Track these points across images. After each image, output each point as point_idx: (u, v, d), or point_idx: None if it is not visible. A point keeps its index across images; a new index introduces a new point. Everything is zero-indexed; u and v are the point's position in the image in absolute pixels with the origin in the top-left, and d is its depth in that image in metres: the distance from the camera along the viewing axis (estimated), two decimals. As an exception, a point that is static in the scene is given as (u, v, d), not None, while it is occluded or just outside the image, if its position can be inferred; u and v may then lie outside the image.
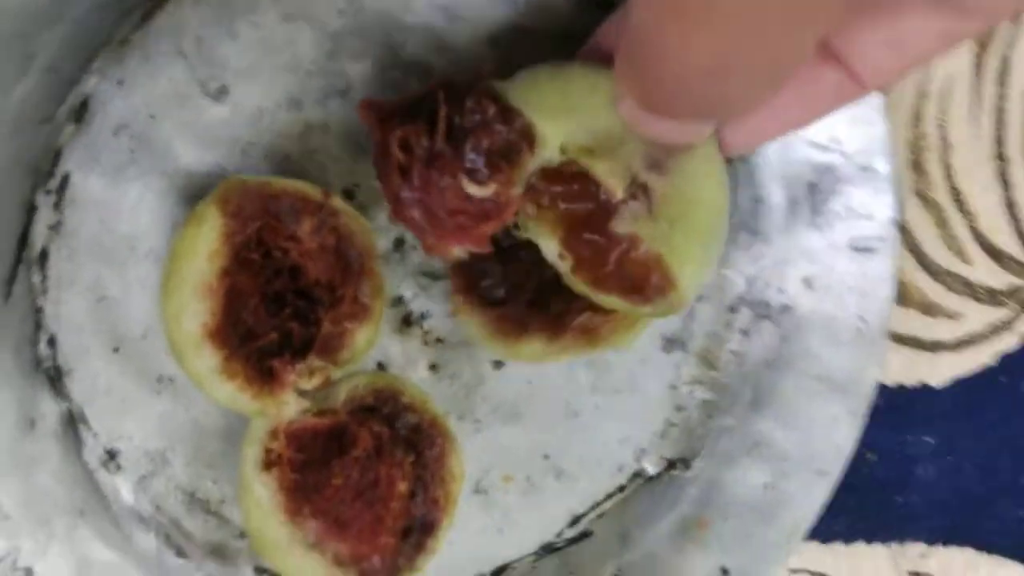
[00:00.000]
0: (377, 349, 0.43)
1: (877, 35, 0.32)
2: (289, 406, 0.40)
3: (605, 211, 0.36)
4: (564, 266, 0.38)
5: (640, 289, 0.37)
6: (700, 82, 0.28)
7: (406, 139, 0.36)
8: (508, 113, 0.36)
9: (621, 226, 0.36)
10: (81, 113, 0.40)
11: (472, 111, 0.36)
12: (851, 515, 0.49)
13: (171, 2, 0.40)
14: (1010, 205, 0.47)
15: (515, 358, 0.42)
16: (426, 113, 0.36)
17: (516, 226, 0.38)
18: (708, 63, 0.27)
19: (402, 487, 0.41)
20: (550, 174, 0.37)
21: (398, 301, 0.43)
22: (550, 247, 0.38)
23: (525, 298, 0.41)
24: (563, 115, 0.36)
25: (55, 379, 0.41)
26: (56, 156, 0.40)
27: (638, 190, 0.36)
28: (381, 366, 0.43)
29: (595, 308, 0.40)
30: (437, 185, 0.36)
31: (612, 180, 0.36)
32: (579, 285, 0.38)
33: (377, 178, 0.37)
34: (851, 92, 0.34)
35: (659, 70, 0.29)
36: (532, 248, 0.38)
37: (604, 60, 0.36)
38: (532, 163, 0.36)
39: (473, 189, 0.36)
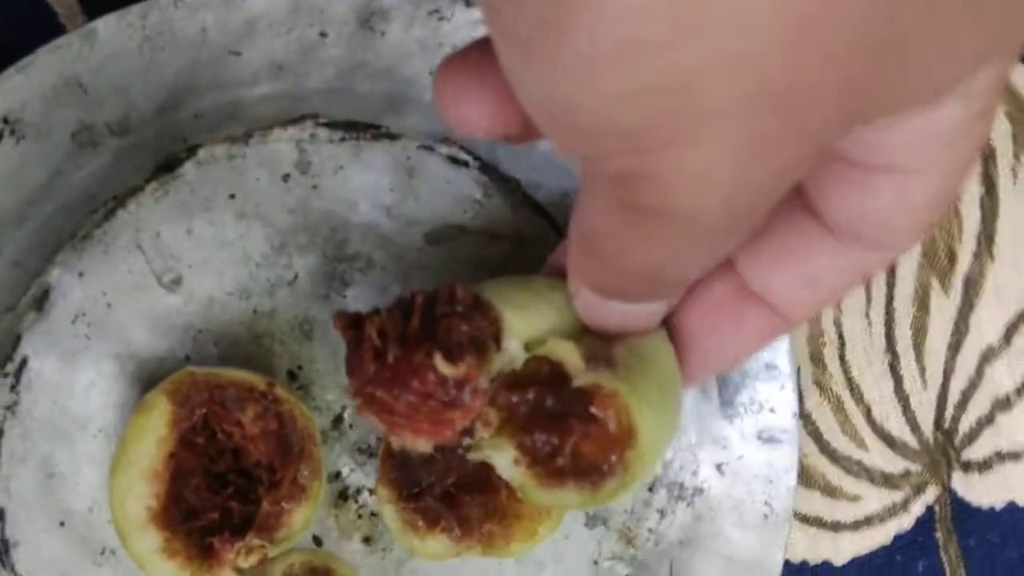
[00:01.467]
0: (314, 521, 0.43)
1: (791, 274, 0.33)
2: (226, 582, 0.40)
3: (567, 400, 0.37)
4: (518, 473, 0.37)
5: (596, 467, 0.36)
6: (647, 274, 0.30)
7: (382, 327, 0.36)
8: (480, 303, 0.36)
9: (582, 380, 0.36)
10: (42, 302, 0.41)
11: (446, 300, 0.37)
12: None
13: (132, 201, 0.41)
14: (900, 395, 0.50)
15: (418, 555, 0.41)
16: (402, 308, 0.37)
17: (467, 447, 0.38)
18: (655, 262, 0.29)
19: (333, 665, 0.41)
20: (514, 378, 0.37)
21: (335, 476, 0.44)
22: (506, 456, 0.37)
23: (440, 490, 0.42)
24: (527, 310, 0.37)
25: (2, 551, 0.42)
26: (16, 341, 0.41)
27: (598, 359, 0.37)
28: (317, 538, 0.44)
29: (501, 517, 0.41)
30: (410, 366, 0.36)
31: (571, 356, 0.36)
32: (530, 488, 0.37)
33: (348, 374, 0.37)
34: (777, 327, 0.35)
35: (611, 265, 0.31)
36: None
37: (562, 275, 0.37)
38: (498, 359, 0.36)
39: (445, 368, 0.35)
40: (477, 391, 0.36)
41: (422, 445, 0.37)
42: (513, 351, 0.36)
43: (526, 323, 0.37)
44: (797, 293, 0.34)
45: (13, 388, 0.41)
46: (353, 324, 0.37)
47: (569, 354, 0.36)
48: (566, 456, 0.37)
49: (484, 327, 0.36)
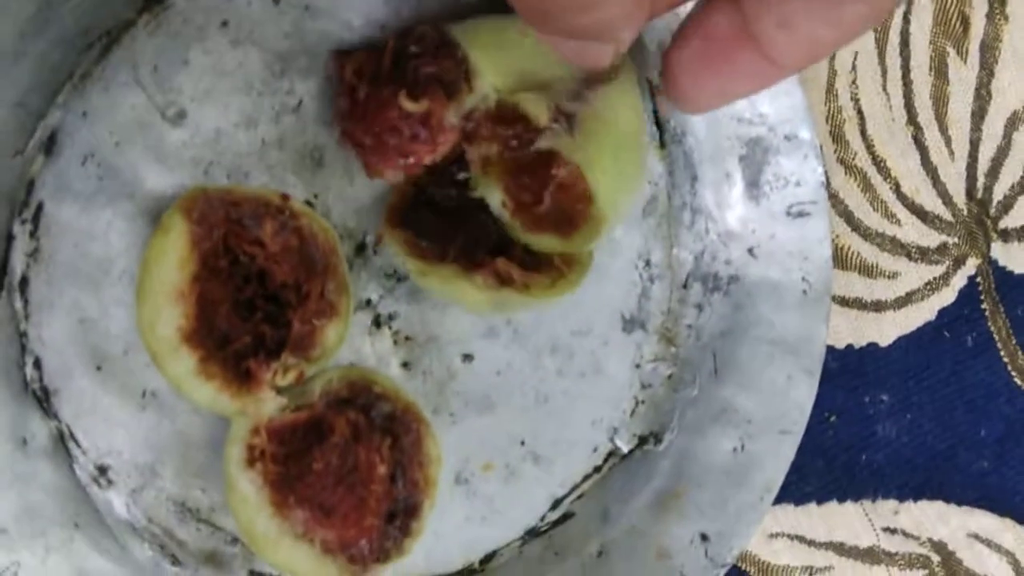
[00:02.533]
0: (349, 351, 0.43)
1: (775, 19, 0.32)
2: (267, 404, 0.40)
3: (540, 155, 0.38)
4: (506, 214, 0.39)
5: (571, 219, 0.39)
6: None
7: (359, 67, 0.39)
8: (448, 45, 0.38)
9: (543, 143, 0.38)
10: (50, 145, 0.41)
11: (417, 41, 0.39)
12: (821, 477, 0.48)
13: (126, 36, 0.40)
14: (928, 167, 0.48)
15: (423, 283, 0.41)
16: (378, 50, 0.39)
17: (467, 185, 0.40)
18: None
19: (382, 470, 0.40)
20: (493, 117, 0.38)
21: (366, 304, 0.43)
22: (495, 197, 0.39)
23: (449, 240, 0.41)
24: (497, 53, 0.38)
25: (43, 399, 0.41)
26: (30, 187, 0.41)
27: (561, 117, 0.38)
28: (354, 366, 0.43)
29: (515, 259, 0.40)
30: (378, 103, 0.38)
31: (537, 110, 0.38)
32: (519, 231, 0.39)
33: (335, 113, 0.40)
34: (770, 73, 0.34)
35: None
36: (472, 212, 0.40)
37: None
38: (469, 99, 0.38)
39: (408, 104, 0.37)
40: (443, 127, 0.38)
41: (391, 176, 0.40)
42: (483, 91, 0.38)
43: (496, 65, 0.38)
44: (783, 39, 0.32)
45: (33, 235, 0.41)
46: (339, 63, 0.40)
47: (535, 108, 0.38)
48: (546, 205, 0.39)
49: (450, 67, 0.38)
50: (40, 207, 0.41)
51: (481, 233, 0.41)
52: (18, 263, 0.41)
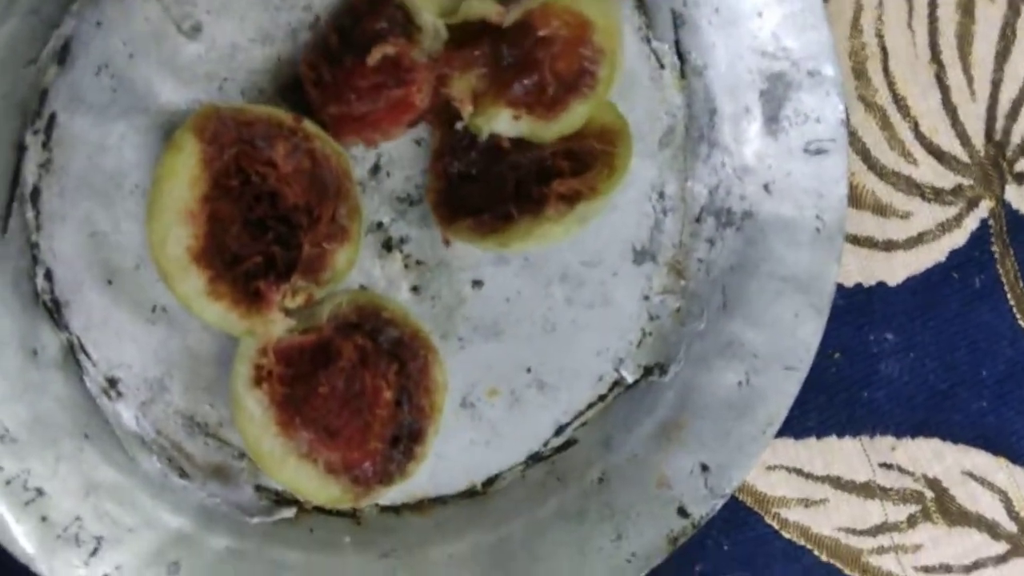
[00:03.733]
0: (359, 274, 0.42)
1: None
2: (276, 324, 0.39)
3: (516, 41, 0.39)
4: (524, 126, 0.39)
5: (582, 70, 0.39)
6: None
7: (309, 61, 0.39)
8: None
9: (511, 18, 0.38)
10: (63, 55, 0.39)
11: (350, 10, 0.39)
12: (822, 412, 0.48)
13: (142, -58, 0.39)
14: (948, 107, 0.47)
15: (513, 248, 0.41)
16: (319, 38, 0.40)
17: (473, 138, 0.40)
18: None
19: (387, 395, 0.40)
20: (453, 46, 0.39)
21: (377, 227, 0.42)
22: (503, 119, 0.39)
23: (506, 200, 0.41)
24: None
25: (53, 311, 0.41)
26: (42, 97, 0.39)
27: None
28: (364, 290, 0.42)
29: (566, 173, 0.40)
30: (346, 74, 0.39)
31: (484, 6, 0.38)
32: (547, 129, 0.39)
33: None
34: None
35: None
36: (497, 158, 0.40)
37: None
38: (424, 37, 0.39)
39: (374, 56, 0.38)
40: (415, 64, 0.38)
41: (398, 134, 0.40)
42: (429, 22, 0.38)
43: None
44: None
45: (45, 145, 0.40)
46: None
47: (485, 5, 0.38)
48: (551, 83, 0.39)
49: (392, 13, 0.38)
50: (53, 118, 0.39)
51: (522, 172, 0.41)
52: (30, 174, 0.40)
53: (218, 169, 0.38)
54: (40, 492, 0.39)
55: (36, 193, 0.40)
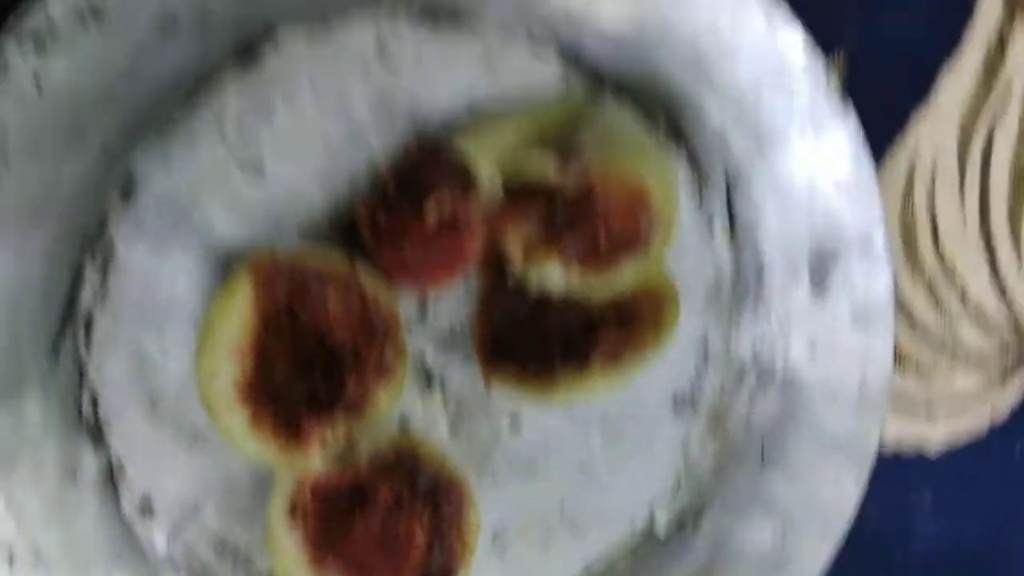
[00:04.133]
0: (400, 408, 0.42)
1: None
2: (314, 461, 0.39)
3: (571, 200, 0.39)
4: (574, 279, 0.40)
5: (636, 230, 0.39)
6: None
7: (367, 206, 0.40)
8: (441, 149, 0.40)
9: (569, 179, 0.39)
10: (128, 188, 0.40)
11: (409, 159, 0.40)
12: (855, 572, 0.47)
13: (213, 84, 0.40)
14: (997, 277, 0.46)
15: (556, 399, 0.41)
16: (378, 185, 0.40)
17: (523, 287, 0.40)
18: None
19: (420, 539, 0.40)
20: (509, 200, 0.39)
21: (420, 364, 0.43)
22: (554, 273, 0.40)
23: (551, 351, 0.41)
24: (482, 144, 0.40)
25: (96, 433, 0.41)
26: (104, 227, 0.40)
27: (567, 158, 0.39)
28: (403, 424, 0.43)
29: (612, 329, 0.41)
30: (401, 222, 0.39)
31: (542, 162, 0.39)
32: (597, 287, 0.40)
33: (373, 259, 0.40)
34: None
35: None
36: (544, 309, 0.40)
37: None
38: (480, 190, 0.39)
39: (431, 207, 0.38)
40: (470, 217, 0.39)
41: (449, 282, 0.40)
42: (486, 176, 0.39)
43: (489, 149, 0.39)
44: None
45: (102, 273, 0.40)
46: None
47: (545, 164, 0.39)
48: (604, 242, 0.39)
49: (452, 165, 0.39)
50: (112, 247, 0.40)
51: (569, 325, 0.41)
52: (85, 299, 0.40)
53: (270, 310, 0.38)
54: (69, 617, 0.40)
55: (89, 319, 0.40)
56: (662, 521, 0.45)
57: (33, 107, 0.36)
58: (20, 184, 0.37)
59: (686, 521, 0.45)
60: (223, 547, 0.42)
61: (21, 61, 0.36)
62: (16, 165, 0.37)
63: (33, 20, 0.36)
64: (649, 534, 0.45)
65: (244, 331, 0.38)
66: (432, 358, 0.43)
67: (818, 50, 0.40)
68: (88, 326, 0.40)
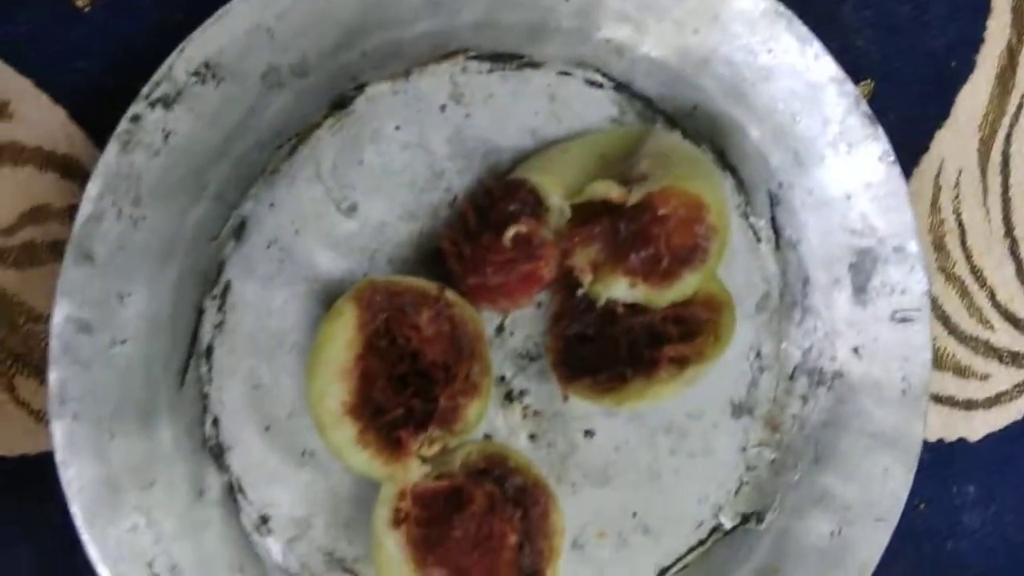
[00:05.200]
0: (484, 422, 0.46)
1: None
2: (414, 471, 0.42)
3: (636, 220, 0.42)
4: (640, 293, 0.43)
5: (695, 245, 0.42)
6: None
7: (451, 238, 0.44)
8: (512, 183, 0.43)
9: (634, 198, 0.42)
10: (240, 231, 0.44)
11: (484, 194, 0.44)
12: (910, 561, 0.50)
13: (312, 136, 0.44)
14: (1022, 278, 0.50)
15: (627, 406, 0.44)
16: (460, 218, 0.44)
17: (590, 302, 0.44)
18: None
19: (512, 539, 0.43)
20: (576, 222, 0.43)
21: (500, 380, 0.46)
22: (620, 286, 0.43)
23: (620, 362, 0.44)
24: (554, 167, 0.44)
25: (218, 455, 0.45)
26: (220, 267, 0.44)
27: (627, 176, 0.43)
28: (488, 436, 0.46)
29: (675, 338, 0.44)
30: (482, 250, 0.43)
31: (607, 187, 0.42)
32: (660, 296, 0.43)
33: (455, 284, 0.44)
34: None
35: None
36: (612, 323, 0.44)
37: None
38: (551, 216, 0.43)
39: (509, 235, 0.42)
40: (544, 241, 0.42)
41: (527, 302, 0.44)
42: (556, 203, 0.43)
43: (557, 178, 0.43)
44: None
45: (220, 309, 0.44)
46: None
47: (609, 188, 0.42)
48: (665, 255, 0.42)
49: (524, 195, 0.43)
50: (228, 285, 0.44)
51: (634, 335, 0.44)
52: (206, 334, 0.44)
53: (371, 332, 0.42)
54: (202, 622, 0.43)
55: (210, 350, 0.44)
56: (727, 522, 0.48)
57: (162, 157, 0.41)
58: (152, 227, 0.41)
59: (750, 520, 0.48)
60: (332, 559, 0.46)
61: (151, 115, 0.40)
62: (148, 208, 0.41)
63: (160, 77, 0.40)
64: (716, 534, 0.48)
65: (349, 352, 0.42)
66: (511, 375, 0.46)
67: (848, 77, 0.44)
68: (209, 357, 0.44)
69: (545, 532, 0.44)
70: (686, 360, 0.44)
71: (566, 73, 0.46)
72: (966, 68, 0.49)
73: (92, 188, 0.40)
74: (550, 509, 0.44)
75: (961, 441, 0.50)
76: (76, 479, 0.41)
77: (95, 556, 0.41)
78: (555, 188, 0.43)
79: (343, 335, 0.42)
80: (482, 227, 0.43)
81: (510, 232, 0.42)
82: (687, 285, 0.43)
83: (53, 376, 0.40)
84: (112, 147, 0.40)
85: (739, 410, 0.48)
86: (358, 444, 0.42)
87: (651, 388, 0.44)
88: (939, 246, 0.50)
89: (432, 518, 0.43)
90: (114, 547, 0.41)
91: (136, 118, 0.40)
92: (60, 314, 0.40)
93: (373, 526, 0.43)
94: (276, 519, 0.45)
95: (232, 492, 0.45)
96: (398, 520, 0.42)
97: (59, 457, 0.40)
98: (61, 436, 0.40)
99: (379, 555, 0.43)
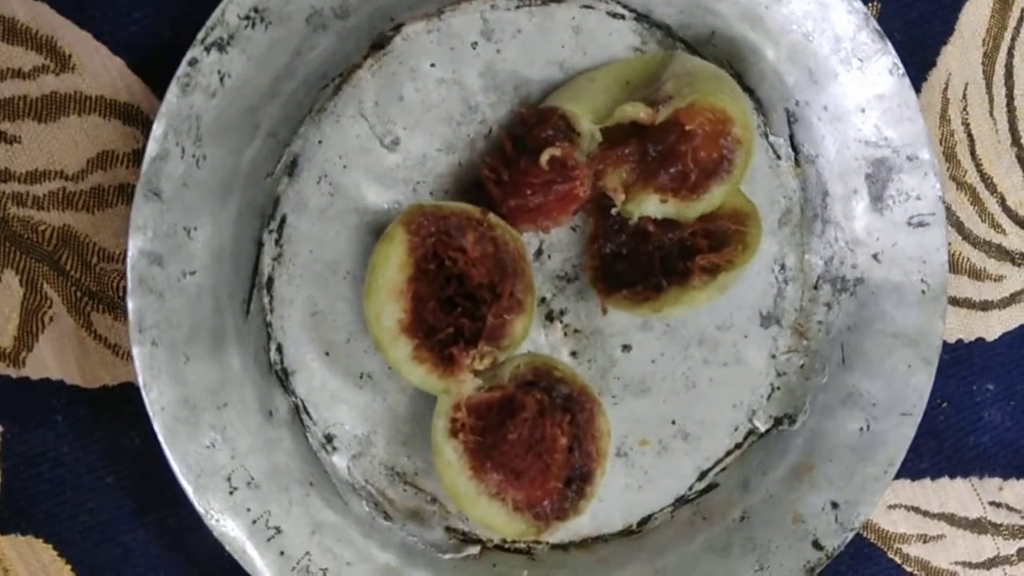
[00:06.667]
0: (527, 341, 0.48)
1: None
2: (467, 384, 0.45)
3: (664, 138, 0.45)
4: (669, 208, 0.45)
5: (721, 157, 0.45)
6: None
7: (490, 165, 0.46)
8: (544, 111, 0.45)
9: (661, 117, 0.44)
10: (292, 168, 0.47)
11: (520, 123, 0.46)
12: (934, 456, 0.52)
13: (354, 75, 0.47)
14: (1032, 182, 0.52)
15: (665, 313, 0.46)
16: (498, 146, 0.47)
17: (623, 222, 0.46)
18: None
19: (563, 441, 0.45)
20: (607, 146, 0.45)
21: (541, 301, 0.49)
22: (651, 203, 0.45)
23: (655, 273, 0.47)
24: (582, 95, 0.46)
25: (283, 379, 0.47)
26: (276, 203, 0.47)
27: (653, 97, 0.45)
28: (537, 354, 0.48)
29: (705, 248, 0.46)
30: (522, 173, 0.45)
31: (635, 109, 0.44)
32: (690, 208, 0.45)
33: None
34: None
35: None
36: (645, 237, 0.46)
37: None
38: (582, 139, 0.45)
39: (545, 157, 0.44)
40: (578, 163, 0.45)
41: (565, 220, 0.46)
42: (587, 128, 0.45)
43: (586, 105, 0.45)
44: None
45: (277, 242, 0.47)
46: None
47: (636, 109, 0.44)
48: (693, 170, 0.45)
49: (556, 122, 0.45)
50: (284, 219, 0.47)
51: (666, 250, 0.46)
52: (266, 266, 0.47)
53: (420, 255, 0.44)
54: (279, 531, 0.45)
55: (270, 281, 0.47)
56: (761, 425, 0.50)
57: (218, 98, 0.43)
58: (212, 165, 0.44)
59: (783, 422, 0.50)
60: (392, 473, 0.48)
61: (207, 58, 0.43)
62: (208, 147, 0.44)
63: (214, 22, 0.43)
64: (751, 437, 0.50)
65: (401, 274, 0.44)
66: (551, 296, 0.49)
67: (857, -6, 0.47)
68: (270, 288, 0.47)
69: (592, 434, 0.46)
70: (717, 268, 0.46)
71: (588, 7, 0.48)
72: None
73: (157, 129, 0.43)
74: (596, 413, 0.46)
75: (979, 341, 0.52)
76: (158, 399, 0.43)
77: (178, 471, 0.44)
78: (585, 114, 0.45)
79: (395, 258, 0.44)
80: (518, 153, 0.46)
81: (546, 155, 0.44)
82: (715, 197, 0.45)
83: (131, 305, 0.43)
84: (173, 89, 0.43)
85: (767, 320, 0.50)
86: (414, 360, 0.45)
87: (686, 295, 0.45)
88: (950, 156, 0.52)
89: (487, 427, 0.45)
90: (195, 462, 0.44)
91: (194, 62, 0.43)
92: (134, 247, 0.43)
93: (432, 436, 0.45)
94: (339, 438, 0.48)
95: (298, 413, 0.47)
96: (455, 430, 0.45)
97: (141, 379, 0.43)
98: (141, 361, 0.43)
99: (439, 463, 0.45)
